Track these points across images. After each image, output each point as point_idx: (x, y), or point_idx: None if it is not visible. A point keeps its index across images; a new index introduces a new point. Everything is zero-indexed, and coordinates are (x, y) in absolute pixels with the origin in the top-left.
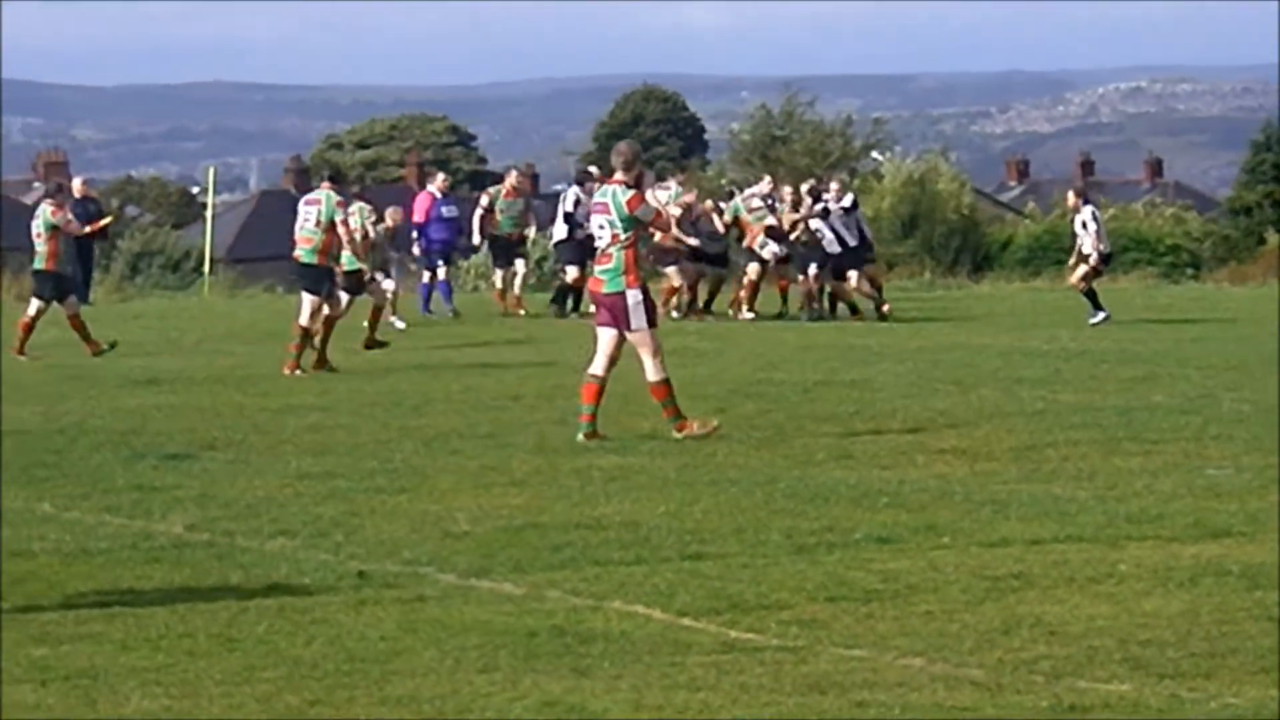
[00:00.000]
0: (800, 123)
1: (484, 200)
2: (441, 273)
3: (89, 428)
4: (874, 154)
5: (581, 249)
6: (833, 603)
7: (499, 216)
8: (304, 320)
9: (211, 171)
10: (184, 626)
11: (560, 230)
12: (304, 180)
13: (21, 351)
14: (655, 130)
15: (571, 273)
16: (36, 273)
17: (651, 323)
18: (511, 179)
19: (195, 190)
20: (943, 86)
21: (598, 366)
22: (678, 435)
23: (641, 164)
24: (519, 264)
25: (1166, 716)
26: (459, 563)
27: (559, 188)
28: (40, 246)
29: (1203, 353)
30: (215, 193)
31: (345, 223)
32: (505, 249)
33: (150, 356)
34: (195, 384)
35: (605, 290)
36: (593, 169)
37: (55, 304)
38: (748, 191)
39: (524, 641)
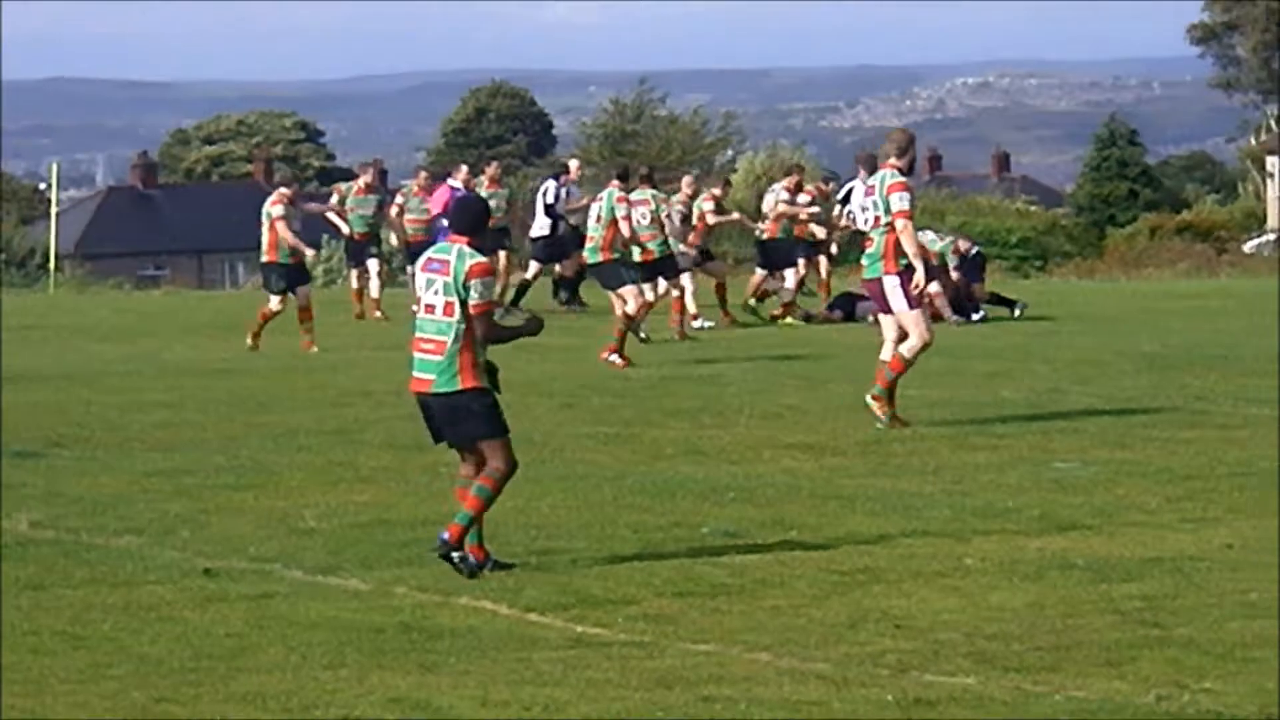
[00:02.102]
0: (652, 117)
1: (334, 198)
2: None
3: None
4: (729, 150)
5: (557, 247)
6: (680, 598)
7: (349, 215)
8: (631, 309)
9: (55, 167)
10: (29, 624)
11: (542, 225)
12: (151, 176)
13: None
14: (501, 127)
15: (533, 268)
16: None
17: (913, 304)
18: (366, 176)
19: (42, 187)
20: (795, 82)
21: (886, 353)
22: (869, 401)
23: (913, 150)
24: (372, 265)
25: (1012, 710)
26: (306, 559)
27: (405, 184)
28: None
29: (1051, 347)
30: (61, 188)
31: (627, 218)
32: (357, 249)
33: None
34: (43, 381)
35: (866, 275)
36: (572, 161)
37: None
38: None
39: (371, 637)
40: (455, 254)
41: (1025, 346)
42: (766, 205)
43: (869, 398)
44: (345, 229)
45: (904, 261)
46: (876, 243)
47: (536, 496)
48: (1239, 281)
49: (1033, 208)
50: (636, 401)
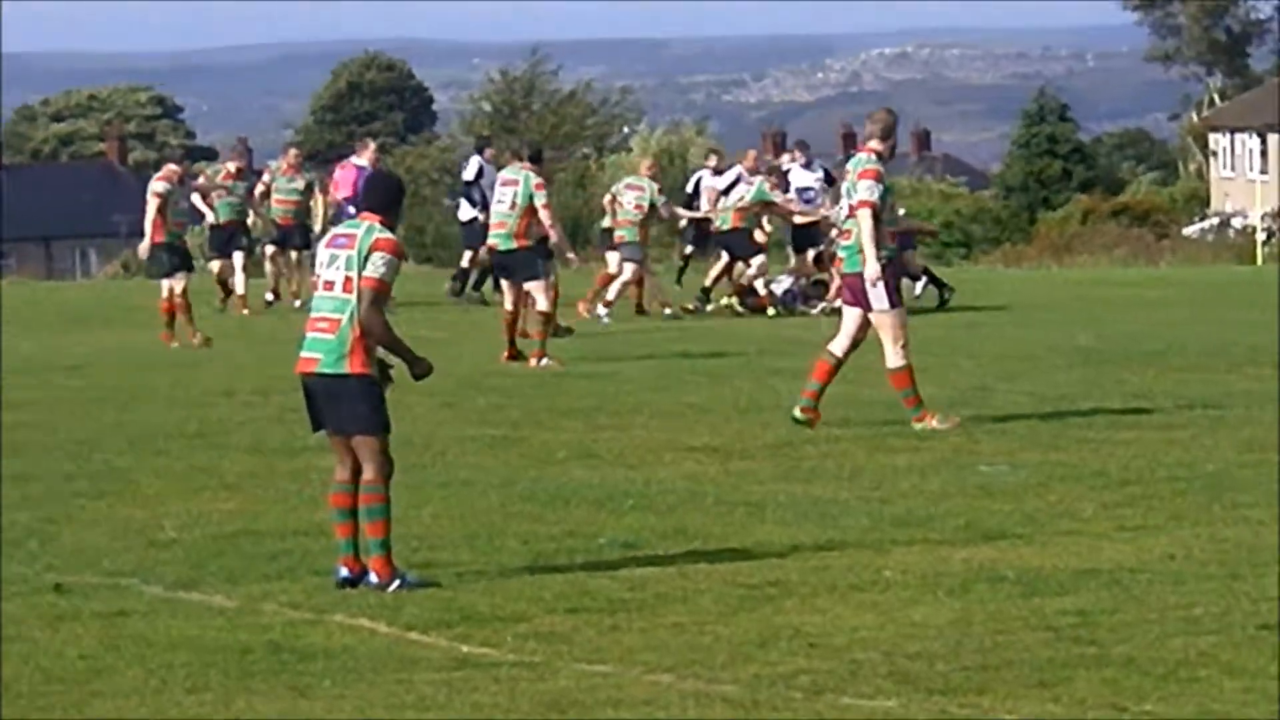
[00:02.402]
0: (544, 92)
1: (201, 180)
2: None
3: None
4: (625, 128)
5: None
6: (574, 614)
7: (216, 201)
8: (543, 305)
9: None
10: None
11: (466, 210)
12: None
13: None
14: (375, 103)
15: (472, 254)
16: None
17: (894, 304)
18: (238, 161)
19: None
20: (696, 53)
21: (837, 346)
22: (916, 427)
23: (896, 135)
24: (237, 258)
25: None
26: (166, 574)
27: (272, 163)
28: None
29: (976, 341)
30: None
31: (548, 205)
32: (223, 238)
33: None
34: None
35: (845, 270)
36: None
37: None
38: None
39: (237, 658)
40: (364, 229)
41: (949, 340)
42: (734, 196)
43: (914, 424)
44: (210, 216)
45: (884, 254)
46: (854, 234)
47: (416, 505)
48: (1180, 269)
49: (959, 189)
50: (524, 401)
